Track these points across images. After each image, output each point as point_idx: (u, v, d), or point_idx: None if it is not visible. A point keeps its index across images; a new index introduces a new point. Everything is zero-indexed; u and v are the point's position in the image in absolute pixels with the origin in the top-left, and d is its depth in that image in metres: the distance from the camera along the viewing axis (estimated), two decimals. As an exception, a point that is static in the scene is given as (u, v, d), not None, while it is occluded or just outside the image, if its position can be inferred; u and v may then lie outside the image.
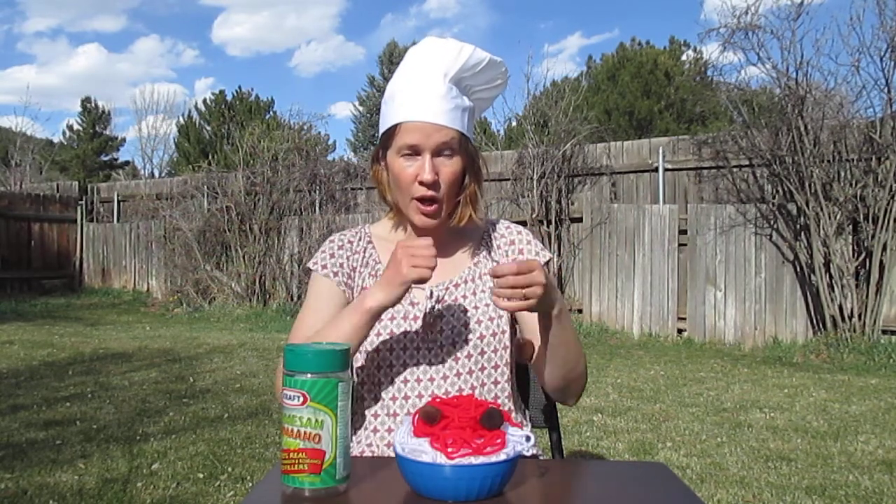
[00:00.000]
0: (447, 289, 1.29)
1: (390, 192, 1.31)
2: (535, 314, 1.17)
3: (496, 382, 1.28)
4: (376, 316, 1.17)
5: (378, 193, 1.37)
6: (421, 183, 1.23)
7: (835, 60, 8.12)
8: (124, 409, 4.05)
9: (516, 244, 1.36)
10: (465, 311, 1.27)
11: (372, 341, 1.26)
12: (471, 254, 1.35)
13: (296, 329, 1.28)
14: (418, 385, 1.25)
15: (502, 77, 1.35)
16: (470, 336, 1.26)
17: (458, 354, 1.25)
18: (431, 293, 1.28)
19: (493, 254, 1.36)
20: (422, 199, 1.24)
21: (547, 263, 1.34)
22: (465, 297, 1.29)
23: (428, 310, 1.27)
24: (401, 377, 1.25)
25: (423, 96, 1.23)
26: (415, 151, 1.23)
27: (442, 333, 1.26)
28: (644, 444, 3.49)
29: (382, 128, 1.29)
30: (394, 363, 1.25)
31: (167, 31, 58.07)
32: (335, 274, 1.31)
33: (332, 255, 1.33)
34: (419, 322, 1.26)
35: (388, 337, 1.26)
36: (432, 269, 1.12)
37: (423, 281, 1.13)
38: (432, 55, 1.26)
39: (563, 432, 3.03)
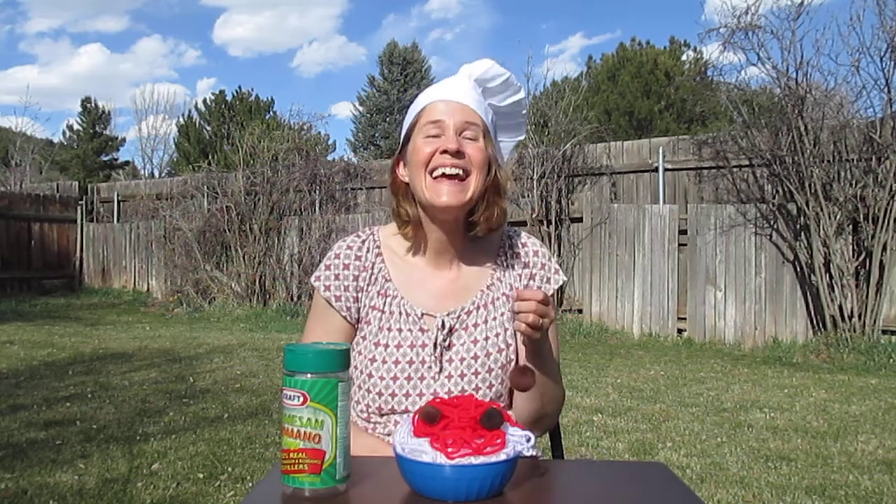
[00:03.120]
0: (458, 317, 1.25)
1: (409, 203, 1.27)
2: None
3: (500, 386, 1.27)
4: None
5: (392, 211, 1.31)
6: (444, 151, 1.19)
7: (835, 60, 8.16)
8: (124, 409, 4.05)
9: (529, 267, 1.32)
10: (476, 341, 1.24)
11: (378, 367, 1.22)
12: (486, 276, 1.30)
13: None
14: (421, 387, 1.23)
15: (520, 109, 1.36)
16: (479, 368, 1.23)
17: (465, 386, 1.22)
18: (443, 323, 1.24)
19: (506, 276, 1.31)
20: (442, 171, 1.20)
21: (561, 287, 1.36)
22: (476, 325, 1.25)
23: (439, 340, 1.23)
24: (402, 407, 1.22)
25: (449, 84, 1.27)
26: (439, 128, 1.22)
27: (451, 363, 1.23)
28: (644, 444, 3.49)
29: (405, 129, 1.29)
30: (396, 392, 1.22)
31: (169, 31, 58.14)
32: (337, 299, 1.26)
33: (336, 277, 1.27)
34: (427, 349, 1.23)
35: (392, 365, 1.22)
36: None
37: None
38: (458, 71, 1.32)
39: (563, 432, 3.03)
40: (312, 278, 1.31)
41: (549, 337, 1.17)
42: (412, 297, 1.26)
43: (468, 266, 1.30)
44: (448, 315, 1.24)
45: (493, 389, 1.24)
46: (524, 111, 1.38)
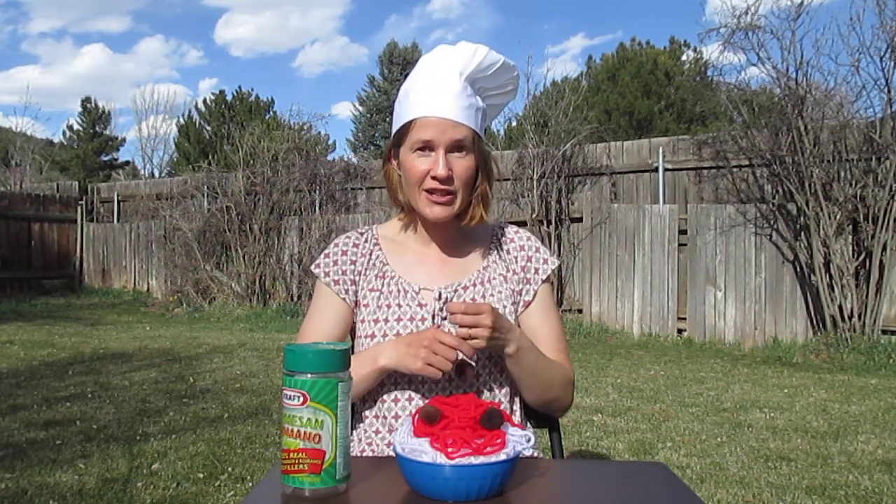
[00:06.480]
0: (455, 291, 1.29)
1: (402, 191, 1.31)
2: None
3: (500, 386, 1.28)
4: (387, 372, 1.20)
5: (388, 194, 1.36)
6: (434, 178, 1.23)
7: (835, 60, 8.15)
8: (124, 409, 4.05)
9: (525, 250, 1.36)
10: None
11: (378, 342, 1.25)
12: (480, 256, 1.35)
13: (300, 335, 1.30)
14: (422, 386, 1.24)
15: (513, 83, 1.36)
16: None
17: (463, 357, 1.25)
18: (440, 295, 1.27)
19: (502, 258, 1.36)
20: (433, 191, 1.24)
21: (554, 273, 1.37)
22: (472, 300, 1.28)
23: (436, 311, 1.26)
24: (404, 378, 1.25)
25: (438, 93, 1.24)
26: (429, 147, 1.23)
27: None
28: (644, 444, 3.49)
29: (396, 125, 1.29)
30: None
31: (171, 31, 58.05)
32: (336, 283, 1.31)
33: (335, 262, 1.32)
34: (426, 324, 1.26)
35: (394, 338, 1.25)
36: (445, 371, 1.14)
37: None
38: (447, 55, 1.27)
39: (563, 432, 3.04)
40: (313, 266, 1.35)
41: (502, 341, 1.18)
42: (409, 276, 1.31)
43: (463, 248, 1.35)
44: (445, 288, 1.28)
45: (492, 360, 1.26)
46: (517, 84, 1.38)
